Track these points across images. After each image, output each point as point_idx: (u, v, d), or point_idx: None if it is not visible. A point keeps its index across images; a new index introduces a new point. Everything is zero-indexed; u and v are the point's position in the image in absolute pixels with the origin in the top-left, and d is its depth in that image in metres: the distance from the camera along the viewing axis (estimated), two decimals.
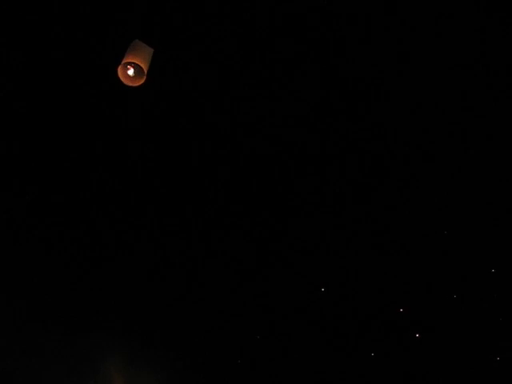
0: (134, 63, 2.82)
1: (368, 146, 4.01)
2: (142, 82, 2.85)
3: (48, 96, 3.82)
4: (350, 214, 4.39)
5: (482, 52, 3.44)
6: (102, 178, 4.35)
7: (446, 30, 3.39)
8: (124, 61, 2.82)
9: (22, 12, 3.48)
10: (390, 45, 3.52)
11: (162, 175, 4.35)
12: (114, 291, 4.76)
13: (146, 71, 2.79)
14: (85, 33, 3.32)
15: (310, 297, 4.81)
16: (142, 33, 3.02)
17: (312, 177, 4.23)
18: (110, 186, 4.42)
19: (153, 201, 4.45)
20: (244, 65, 3.73)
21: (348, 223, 4.44)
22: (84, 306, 4.77)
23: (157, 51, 2.94)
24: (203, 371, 4.99)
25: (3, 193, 4.36)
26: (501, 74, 3.53)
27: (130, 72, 2.87)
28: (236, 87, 3.81)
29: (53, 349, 4.73)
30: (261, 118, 3.96)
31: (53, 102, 3.81)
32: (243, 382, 5.05)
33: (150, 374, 4.87)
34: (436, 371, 4.83)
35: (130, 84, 2.88)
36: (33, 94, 3.82)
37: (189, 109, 3.70)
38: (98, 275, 4.73)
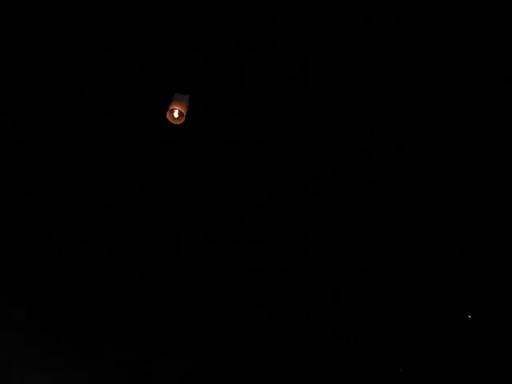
0: (178, 109, 3.90)
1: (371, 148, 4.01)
2: (182, 120, 3.92)
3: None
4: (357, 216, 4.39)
5: (482, 52, 3.44)
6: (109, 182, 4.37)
7: (446, 30, 3.39)
8: (171, 107, 3.86)
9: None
10: (389, 45, 3.52)
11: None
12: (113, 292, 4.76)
13: (184, 113, 3.90)
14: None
15: (311, 297, 4.81)
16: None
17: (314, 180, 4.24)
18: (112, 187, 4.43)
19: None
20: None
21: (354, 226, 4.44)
22: (83, 308, 4.77)
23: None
24: (204, 371, 4.99)
25: (3, 193, 4.36)
26: (501, 74, 3.52)
27: (175, 114, 3.90)
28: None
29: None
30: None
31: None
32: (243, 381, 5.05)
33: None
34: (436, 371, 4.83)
35: (175, 122, 3.94)
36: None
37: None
38: (97, 276, 4.73)
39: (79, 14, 3.61)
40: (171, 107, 3.84)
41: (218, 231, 4.60)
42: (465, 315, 4.62)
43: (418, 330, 4.78)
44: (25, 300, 4.66)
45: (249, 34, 3.58)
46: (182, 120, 3.87)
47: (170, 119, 3.88)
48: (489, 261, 4.40)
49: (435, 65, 3.54)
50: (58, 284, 4.66)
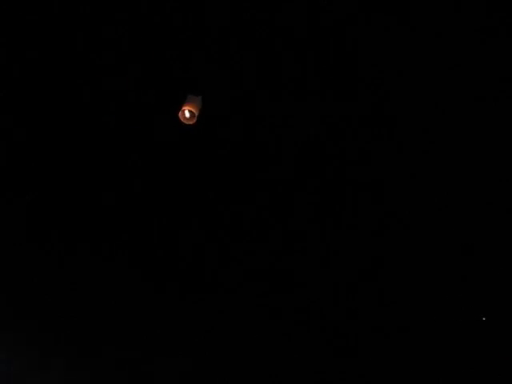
0: (189, 110, 3.96)
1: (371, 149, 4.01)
2: (194, 121, 3.96)
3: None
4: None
5: (482, 52, 3.44)
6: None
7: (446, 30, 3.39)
8: (183, 108, 3.93)
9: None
10: (389, 45, 3.52)
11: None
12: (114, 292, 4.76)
13: (196, 114, 3.95)
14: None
15: (311, 297, 4.81)
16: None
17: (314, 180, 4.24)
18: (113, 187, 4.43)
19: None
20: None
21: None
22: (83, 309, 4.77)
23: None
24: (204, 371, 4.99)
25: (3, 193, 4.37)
26: (501, 74, 3.52)
27: (187, 114, 3.95)
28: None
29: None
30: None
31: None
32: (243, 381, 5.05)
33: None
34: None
35: (187, 122, 3.99)
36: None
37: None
38: (97, 276, 4.73)
39: (79, 14, 3.61)
40: (184, 107, 3.87)
41: (218, 231, 4.60)
42: (462, 314, 4.62)
43: (418, 330, 4.77)
44: (25, 300, 4.66)
45: (249, 33, 3.58)
46: (194, 120, 3.91)
47: (181, 119, 3.92)
48: (489, 261, 4.40)
49: (435, 65, 3.54)
50: (58, 284, 4.66)
